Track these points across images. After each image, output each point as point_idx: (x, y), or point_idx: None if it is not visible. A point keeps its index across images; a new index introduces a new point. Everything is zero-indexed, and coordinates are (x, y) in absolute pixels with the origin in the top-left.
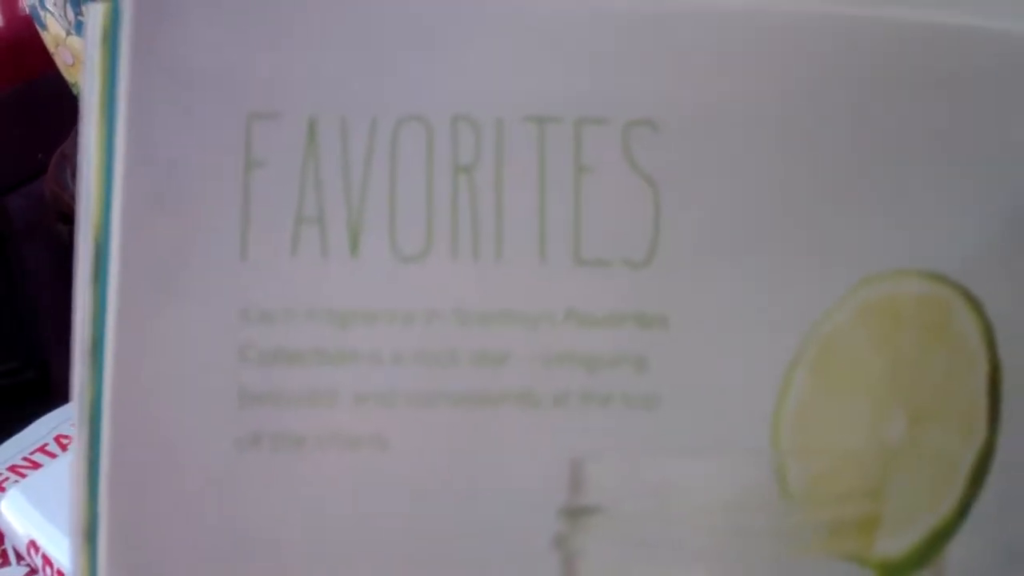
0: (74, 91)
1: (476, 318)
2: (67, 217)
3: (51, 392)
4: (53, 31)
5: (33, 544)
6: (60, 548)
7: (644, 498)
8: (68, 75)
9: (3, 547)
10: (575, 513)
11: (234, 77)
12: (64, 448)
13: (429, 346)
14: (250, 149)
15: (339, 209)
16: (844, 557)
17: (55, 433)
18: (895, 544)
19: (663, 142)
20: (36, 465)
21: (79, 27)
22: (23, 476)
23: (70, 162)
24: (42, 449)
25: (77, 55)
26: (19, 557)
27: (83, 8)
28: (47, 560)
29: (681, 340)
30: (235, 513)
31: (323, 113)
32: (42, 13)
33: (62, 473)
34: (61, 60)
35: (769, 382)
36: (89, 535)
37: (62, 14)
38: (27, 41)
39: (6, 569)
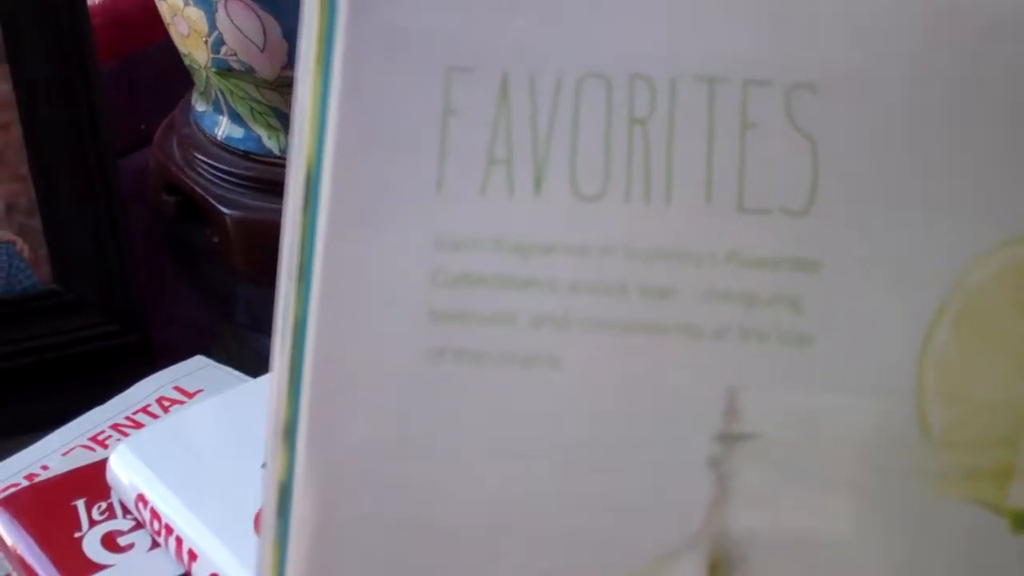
0: (186, 61)
1: (645, 254)
2: (172, 188)
3: (151, 355)
4: (171, 1)
5: (141, 498)
6: (167, 503)
7: (793, 429)
8: (182, 45)
9: (110, 501)
10: (730, 438)
11: (436, 35)
12: (166, 410)
13: (601, 277)
14: (449, 98)
15: (526, 152)
16: (979, 502)
17: (157, 395)
18: None
19: (822, 103)
20: (138, 425)
21: None
22: (125, 435)
23: (177, 132)
24: (144, 410)
25: (193, 26)
26: (125, 511)
27: None
28: (155, 514)
29: (834, 284)
30: (421, 418)
31: (514, 68)
32: None
33: (170, 430)
34: (176, 31)
35: (915, 328)
36: (288, 434)
37: None
38: (128, 16)
39: (113, 522)
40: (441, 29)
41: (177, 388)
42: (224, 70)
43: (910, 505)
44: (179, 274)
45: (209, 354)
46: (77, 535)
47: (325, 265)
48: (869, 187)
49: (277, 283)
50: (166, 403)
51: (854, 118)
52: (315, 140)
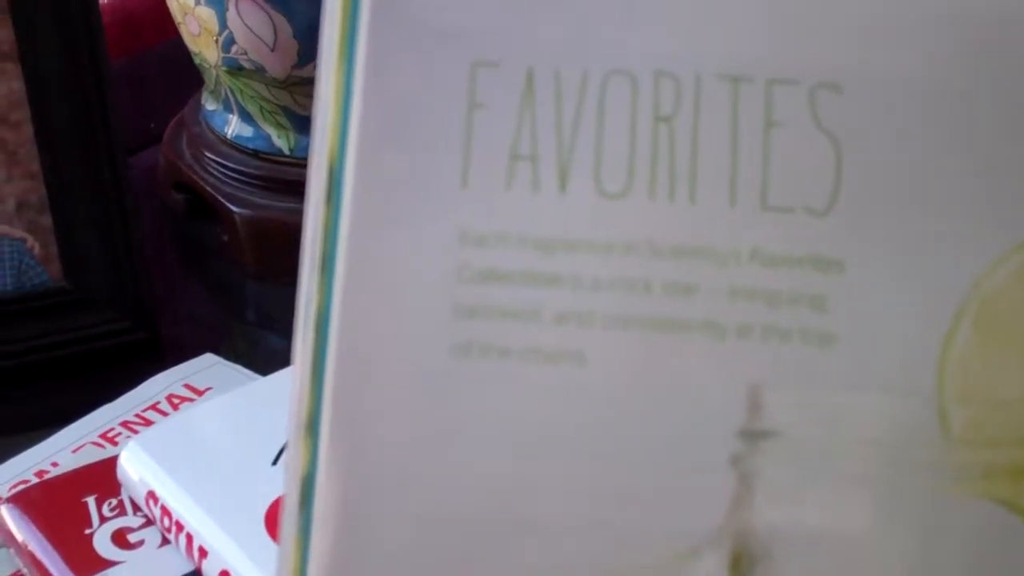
0: (196, 60)
1: (669, 252)
2: (181, 186)
3: (161, 353)
4: (182, 0)
5: (151, 495)
6: (178, 500)
7: (816, 427)
8: (192, 44)
9: (120, 497)
10: (752, 435)
11: (461, 30)
12: (175, 407)
13: (625, 274)
14: (473, 93)
15: (550, 149)
16: (995, 500)
17: (167, 393)
18: None
19: (846, 103)
20: (148, 422)
21: None
22: (135, 432)
23: (187, 130)
24: (154, 407)
25: (204, 25)
26: (136, 508)
27: None
28: (165, 511)
29: (856, 284)
30: (444, 412)
31: (539, 64)
32: None
33: (180, 427)
34: (187, 30)
35: (936, 329)
36: (310, 428)
37: None
38: (138, 15)
39: (123, 518)
40: (466, 24)
41: (187, 385)
42: (234, 69)
43: (929, 503)
44: (189, 272)
45: (218, 352)
46: (87, 532)
47: (349, 258)
48: (891, 187)
49: (297, 277)
50: (176, 400)
51: (877, 118)
52: (338, 134)
